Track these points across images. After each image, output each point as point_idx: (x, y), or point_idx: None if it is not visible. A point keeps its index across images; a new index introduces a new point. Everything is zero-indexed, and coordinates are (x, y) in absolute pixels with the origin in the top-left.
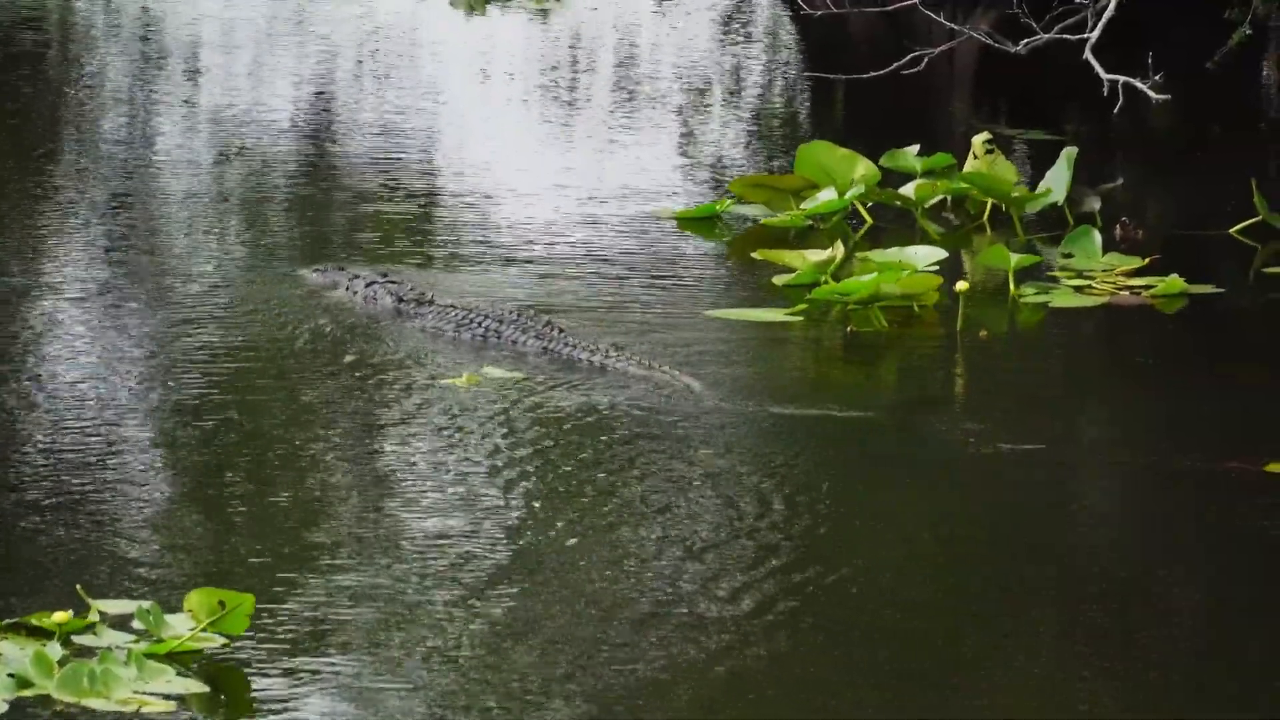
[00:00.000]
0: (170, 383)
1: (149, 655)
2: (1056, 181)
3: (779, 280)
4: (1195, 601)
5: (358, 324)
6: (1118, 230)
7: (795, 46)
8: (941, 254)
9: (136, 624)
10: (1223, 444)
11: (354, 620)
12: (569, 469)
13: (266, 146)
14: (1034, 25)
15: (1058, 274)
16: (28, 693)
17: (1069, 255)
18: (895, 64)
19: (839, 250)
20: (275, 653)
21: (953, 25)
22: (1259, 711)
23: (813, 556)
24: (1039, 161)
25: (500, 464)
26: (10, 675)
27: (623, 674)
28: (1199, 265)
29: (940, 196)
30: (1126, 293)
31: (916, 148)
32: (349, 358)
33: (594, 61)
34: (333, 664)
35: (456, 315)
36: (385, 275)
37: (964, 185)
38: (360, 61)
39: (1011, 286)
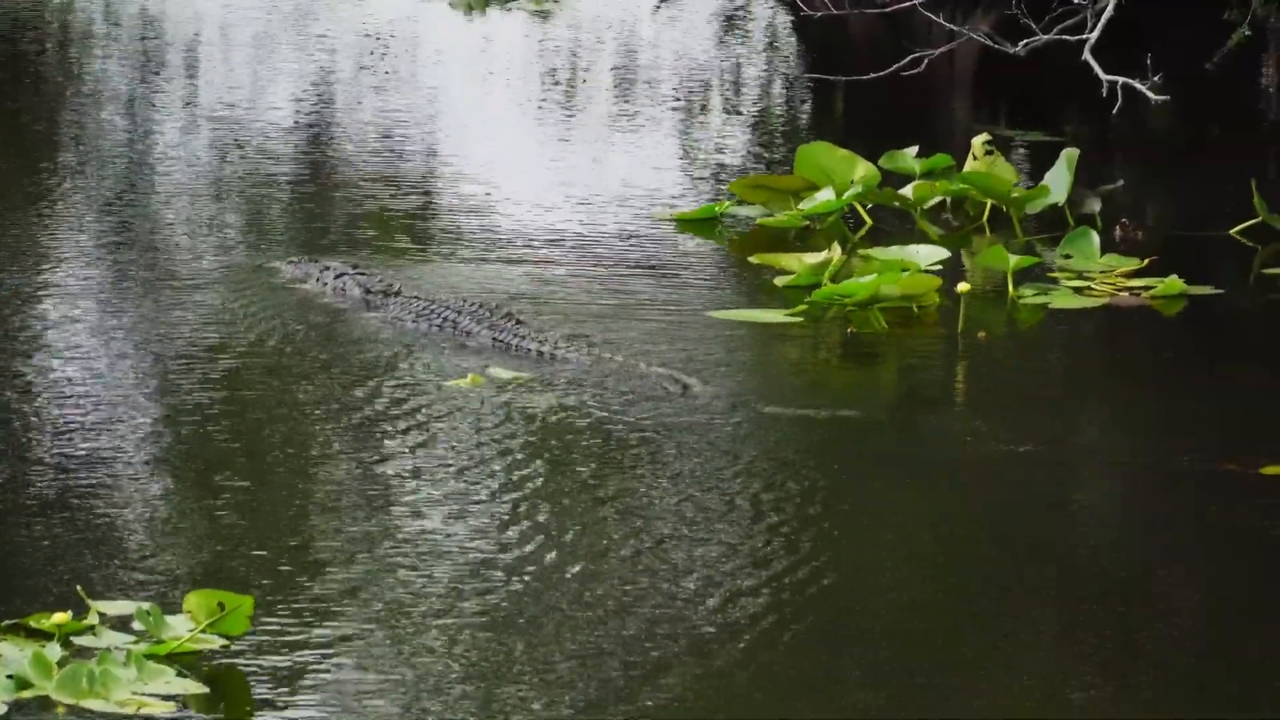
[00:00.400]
0: (169, 383)
1: (148, 656)
2: (1057, 183)
3: (779, 281)
4: (1195, 601)
5: (356, 324)
6: (1118, 231)
7: (795, 48)
8: (943, 254)
9: (136, 625)
10: (1222, 444)
11: (353, 621)
12: (569, 469)
13: (264, 146)
14: (1033, 26)
15: (1057, 275)
16: (27, 694)
17: (1067, 256)
18: (895, 65)
19: (835, 252)
20: (274, 654)
21: (952, 26)
22: (1259, 711)
23: (812, 556)
24: (1039, 162)
25: (501, 464)
26: (9, 676)
27: (622, 674)
28: (1198, 266)
29: (939, 198)
30: (1126, 294)
31: (915, 149)
32: (351, 358)
33: (593, 63)
34: (332, 665)
35: (417, 306)
36: (355, 267)
37: (962, 186)
38: (359, 62)
39: (1010, 287)
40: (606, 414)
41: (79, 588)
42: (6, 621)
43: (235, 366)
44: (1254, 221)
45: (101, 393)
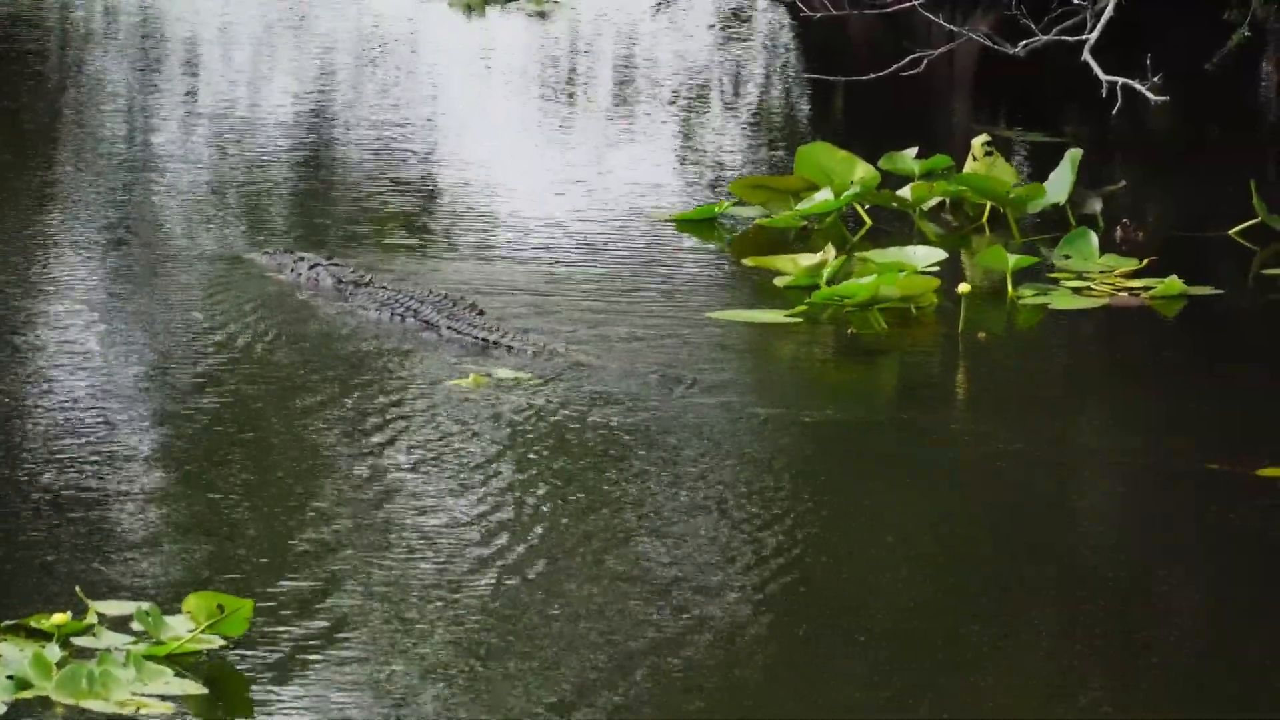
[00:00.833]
0: (168, 383)
1: (148, 657)
2: (1059, 183)
3: (779, 282)
4: (1195, 601)
5: (334, 316)
6: (1119, 232)
7: (794, 48)
8: (941, 255)
9: (135, 626)
10: (1222, 445)
11: (353, 621)
12: (570, 468)
13: (262, 144)
14: (1033, 27)
15: (1056, 275)
16: (27, 694)
17: (1066, 257)
18: (895, 66)
19: (829, 254)
20: (273, 654)
21: (952, 27)
22: (1259, 711)
23: (812, 556)
24: (1038, 163)
25: (501, 464)
26: (9, 677)
27: (621, 674)
28: (1198, 267)
29: (937, 199)
30: (1125, 294)
31: (915, 150)
32: (352, 358)
33: (593, 63)
34: (331, 665)
35: (382, 296)
36: (330, 259)
37: (960, 187)
38: (359, 62)
39: (1009, 288)
40: (607, 413)
41: (78, 588)
42: (6, 622)
43: (235, 366)
44: (1253, 222)
45: (98, 391)
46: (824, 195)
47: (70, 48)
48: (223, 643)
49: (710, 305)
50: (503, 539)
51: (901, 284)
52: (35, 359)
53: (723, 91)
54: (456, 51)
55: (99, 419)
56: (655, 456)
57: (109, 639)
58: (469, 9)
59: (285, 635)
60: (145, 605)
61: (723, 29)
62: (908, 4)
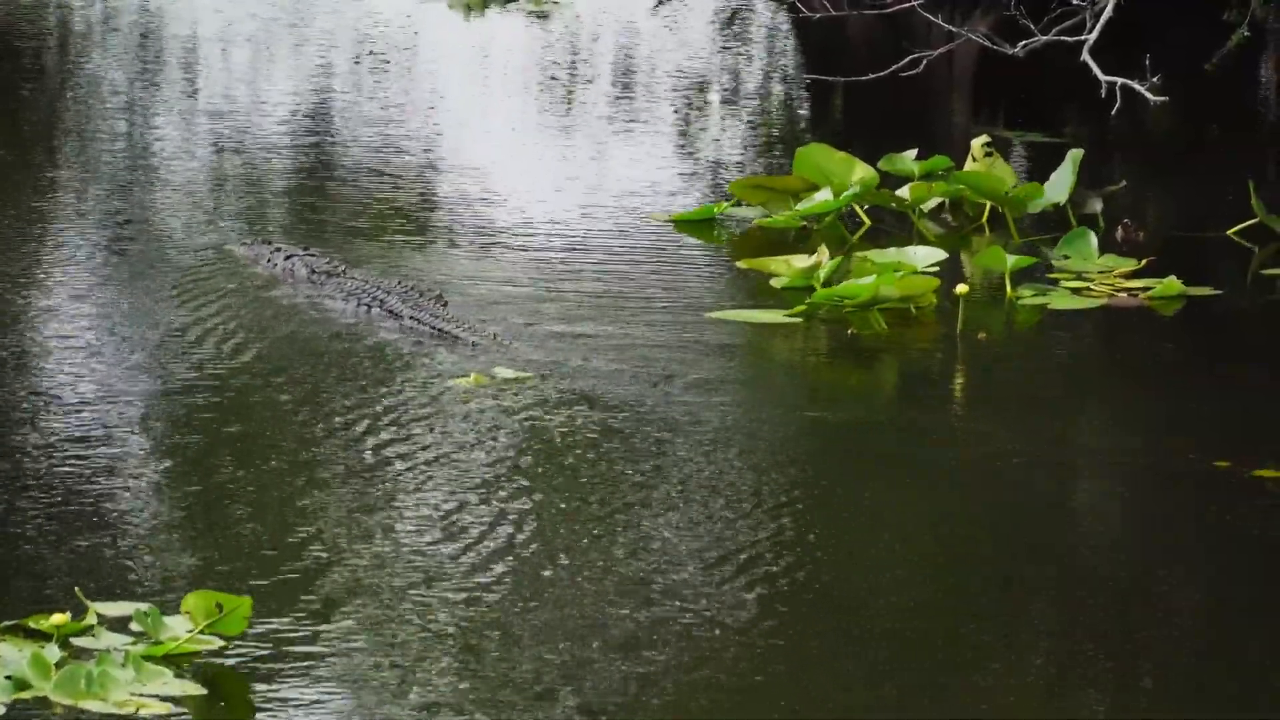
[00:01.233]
0: (168, 383)
1: (147, 657)
2: (1060, 183)
3: (776, 283)
4: (1195, 601)
5: (357, 324)
6: (1119, 232)
7: (794, 49)
8: (940, 255)
9: (134, 626)
10: (1222, 445)
11: (352, 622)
12: (570, 468)
13: (260, 141)
14: (1032, 27)
15: (1056, 275)
16: (25, 695)
17: (1065, 257)
18: (894, 66)
19: (824, 254)
20: (273, 654)
21: (951, 27)
22: (1259, 711)
23: (812, 556)
24: (1038, 163)
25: (502, 464)
26: (8, 677)
27: (621, 673)
28: (1197, 267)
29: (936, 199)
30: (1124, 294)
31: (914, 151)
32: (353, 358)
33: (592, 63)
34: (330, 666)
35: (349, 286)
36: (306, 249)
37: (958, 187)
38: (358, 62)
39: (1008, 288)
40: (608, 413)
41: (77, 588)
42: (5, 622)
43: (232, 365)
44: (1252, 222)
45: (101, 392)
46: (823, 195)
47: (70, 47)
48: (222, 644)
49: (710, 305)
50: (504, 539)
51: (901, 284)
52: (34, 359)
53: (722, 91)
54: (455, 51)
55: (96, 419)
56: (654, 456)
57: (108, 639)
58: (468, 9)
59: (284, 635)
60: (144, 605)
61: (722, 29)
62: (907, 4)
